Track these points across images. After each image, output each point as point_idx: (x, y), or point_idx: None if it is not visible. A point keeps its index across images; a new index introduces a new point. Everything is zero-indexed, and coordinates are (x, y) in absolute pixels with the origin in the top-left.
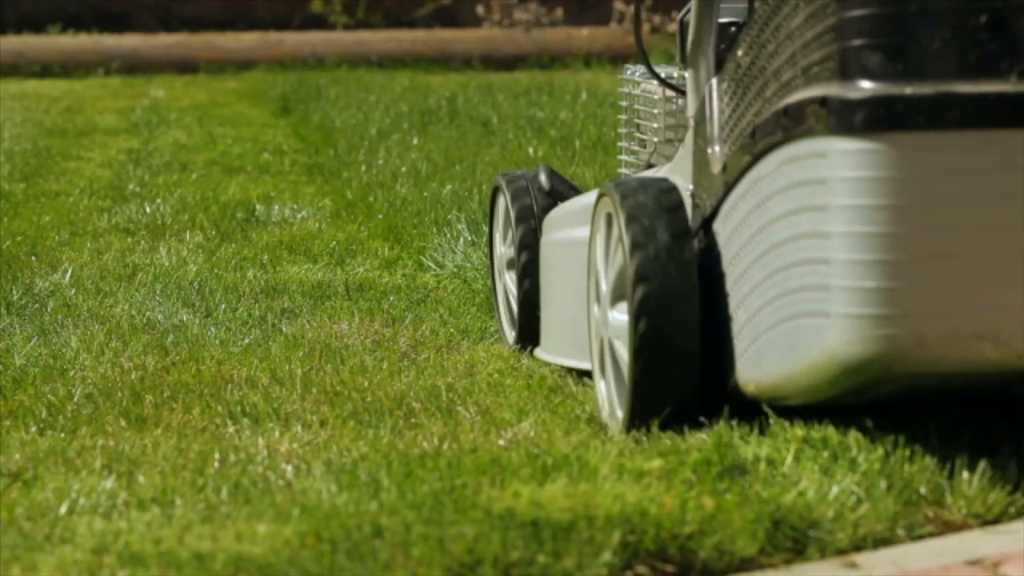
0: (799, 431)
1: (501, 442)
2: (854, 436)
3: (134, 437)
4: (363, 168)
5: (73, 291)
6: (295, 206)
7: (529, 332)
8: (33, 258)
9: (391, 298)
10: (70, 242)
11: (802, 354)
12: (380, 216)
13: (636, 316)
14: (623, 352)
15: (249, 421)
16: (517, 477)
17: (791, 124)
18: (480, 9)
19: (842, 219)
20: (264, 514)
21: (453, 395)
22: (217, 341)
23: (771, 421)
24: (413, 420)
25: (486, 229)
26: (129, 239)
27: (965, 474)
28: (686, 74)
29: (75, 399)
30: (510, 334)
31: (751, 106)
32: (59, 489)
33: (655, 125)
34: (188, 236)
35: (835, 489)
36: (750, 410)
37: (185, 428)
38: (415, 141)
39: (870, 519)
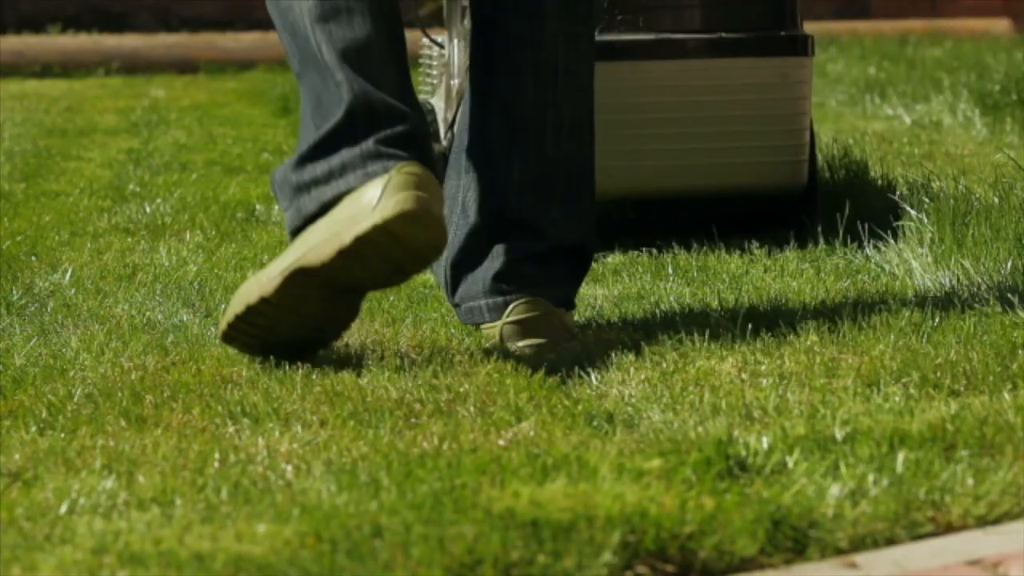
0: (800, 430)
1: (501, 442)
2: (855, 435)
3: (134, 437)
4: None
5: (73, 291)
6: None
7: None
8: (33, 258)
9: (391, 298)
10: (70, 242)
11: None
12: None
13: None
14: None
15: (249, 421)
16: (517, 477)
17: None
18: None
19: None
20: (264, 514)
21: (453, 395)
22: (217, 341)
23: (771, 420)
24: (413, 420)
25: None
26: (129, 239)
27: (966, 474)
28: (446, 37)
29: (75, 399)
30: None
31: (465, 53)
32: (59, 489)
33: (434, 71)
34: (188, 236)
35: (835, 489)
36: (750, 410)
37: (185, 428)
38: None
39: (870, 519)
